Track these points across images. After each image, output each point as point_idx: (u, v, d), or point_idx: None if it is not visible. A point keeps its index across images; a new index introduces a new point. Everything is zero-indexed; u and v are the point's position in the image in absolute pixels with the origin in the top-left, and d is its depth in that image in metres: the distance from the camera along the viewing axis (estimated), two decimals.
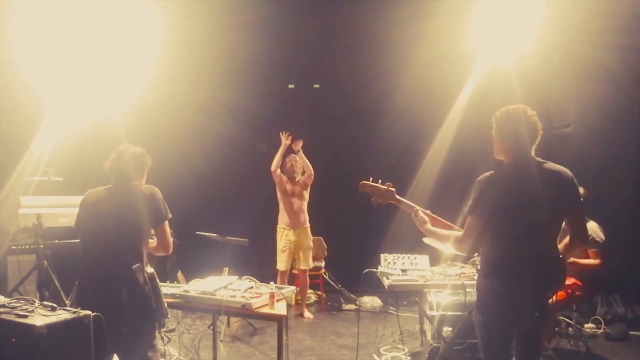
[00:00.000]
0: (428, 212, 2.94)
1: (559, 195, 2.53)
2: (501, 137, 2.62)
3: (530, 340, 2.69)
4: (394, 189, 3.01)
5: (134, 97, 5.65)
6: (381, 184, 3.03)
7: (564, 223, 2.64)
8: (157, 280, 2.90)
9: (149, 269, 2.88)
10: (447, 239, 2.69)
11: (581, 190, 4.26)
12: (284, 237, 5.70)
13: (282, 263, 5.66)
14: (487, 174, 2.54)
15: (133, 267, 2.79)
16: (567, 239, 2.68)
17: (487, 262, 2.60)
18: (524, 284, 2.51)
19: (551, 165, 2.57)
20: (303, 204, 5.76)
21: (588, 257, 4.21)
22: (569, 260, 4.05)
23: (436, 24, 5.29)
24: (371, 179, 3.05)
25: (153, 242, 3.05)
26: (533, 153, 2.59)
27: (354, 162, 7.07)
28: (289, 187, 5.76)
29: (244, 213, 6.32)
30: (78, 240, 3.01)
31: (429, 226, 2.83)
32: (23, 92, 5.22)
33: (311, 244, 5.85)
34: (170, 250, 3.08)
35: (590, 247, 4.18)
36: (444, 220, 2.92)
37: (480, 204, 2.49)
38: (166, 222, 2.99)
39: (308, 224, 5.82)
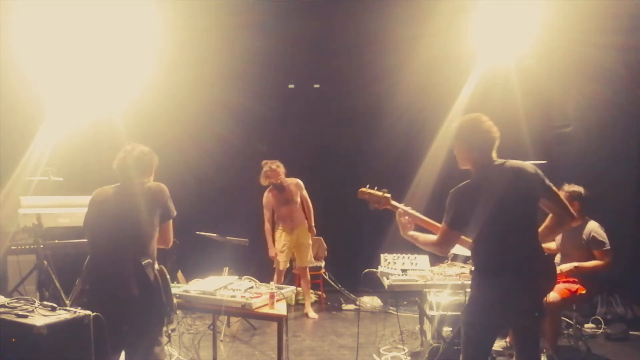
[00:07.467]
0: (413, 211, 2.98)
1: (527, 188, 2.65)
2: (462, 148, 2.77)
3: (529, 338, 2.76)
4: (389, 195, 3.10)
5: (134, 97, 5.65)
6: (377, 189, 3.13)
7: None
8: (167, 275, 2.93)
9: (157, 266, 2.90)
10: (425, 246, 2.81)
11: (581, 189, 4.31)
12: (282, 238, 5.68)
13: (280, 263, 5.63)
14: (460, 185, 2.67)
15: (143, 263, 2.81)
16: (547, 221, 2.76)
17: (476, 264, 2.74)
18: (512, 284, 2.59)
19: (512, 162, 2.70)
20: (295, 207, 5.68)
21: (593, 259, 4.20)
22: (575, 266, 4.09)
23: (436, 24, 5.28)
24: (368, 185, 3.15)
25: None
26: (494, 156, 2.71)
27: (354, 162, 7.07)
28: (274, 200, 5.64)
29: (244, 213, 6.30)
30: (79, 240, 3.02)
31: (411, 233, 2.93)
32: (23, 92, 5.22)
33: (310, 242, 5.80)
34: (170, 244, 3.12)
35: (595, 247, 4.18)
36: (429, 220, 2.97)
37: (455, 216, 2.62)
38: (171, 220, 3.04)
39: (305, 222, 5.77)
